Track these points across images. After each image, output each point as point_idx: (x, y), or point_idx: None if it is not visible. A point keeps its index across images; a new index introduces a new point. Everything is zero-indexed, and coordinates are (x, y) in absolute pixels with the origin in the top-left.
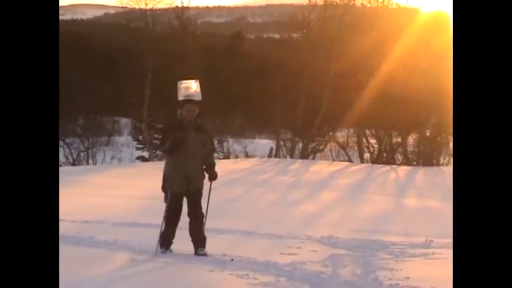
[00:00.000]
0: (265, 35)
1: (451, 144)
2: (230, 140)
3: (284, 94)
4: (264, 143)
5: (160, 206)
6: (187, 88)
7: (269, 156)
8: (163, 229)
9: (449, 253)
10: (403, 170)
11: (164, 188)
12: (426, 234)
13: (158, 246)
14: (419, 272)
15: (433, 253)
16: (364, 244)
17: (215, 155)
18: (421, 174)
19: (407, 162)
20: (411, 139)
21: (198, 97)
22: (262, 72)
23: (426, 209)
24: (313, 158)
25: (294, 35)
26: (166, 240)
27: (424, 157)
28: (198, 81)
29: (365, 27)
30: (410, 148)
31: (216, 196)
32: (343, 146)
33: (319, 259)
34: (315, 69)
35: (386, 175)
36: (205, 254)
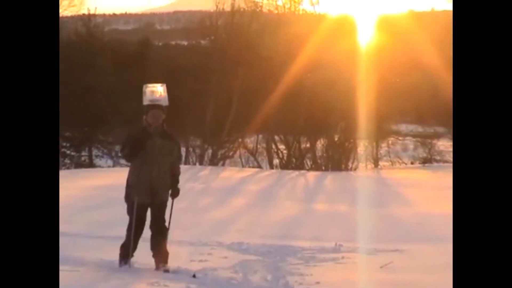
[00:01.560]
0: (173, 42)
1: (359, 149)
2: None
3: (192, 101)
4: None
5: (71, 215)
6: (153, 92)
7: None
8: (125, 240)
9: (357, 257)
10: (312, 175)
11: (127, 198)
12: (336, 239)
13: (119, 259)
14: (329, 276)
15: (343, 257)
16: (275, 249)
17: None
18: (330, 179)
19: (316, 167)
20: (320, 144)
21: (165, 102)
22: (170, 79)
23: (335, 214)
24: (223, 165)
25: (202, 41)
26: (127, 252)
27: (333, 162)
28: (164, 85)
29: (273, 33)
30: (318, 153)
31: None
32: (253, 152)
33: (229, 265)
34: (224, 76)
35: (295, 181)
36: (167, 271)
